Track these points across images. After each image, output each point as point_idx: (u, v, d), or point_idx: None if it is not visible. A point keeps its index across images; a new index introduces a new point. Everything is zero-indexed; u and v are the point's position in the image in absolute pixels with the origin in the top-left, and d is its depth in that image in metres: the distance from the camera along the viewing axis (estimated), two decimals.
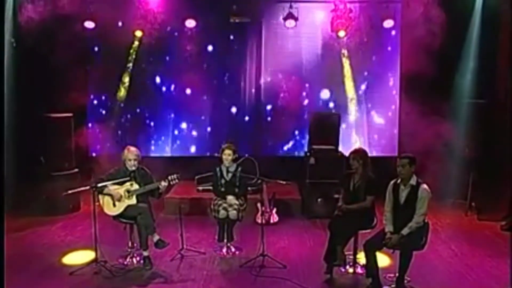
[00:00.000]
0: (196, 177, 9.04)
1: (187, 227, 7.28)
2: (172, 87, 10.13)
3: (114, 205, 6.53)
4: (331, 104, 10.11)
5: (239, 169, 7.14)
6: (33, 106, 8.86)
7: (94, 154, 10.20)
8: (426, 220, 5.82)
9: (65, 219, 8.71)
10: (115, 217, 6.62)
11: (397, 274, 5.87)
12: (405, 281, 5.88)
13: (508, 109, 8.63)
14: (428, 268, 6.45)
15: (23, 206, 8.64)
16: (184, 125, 10.28)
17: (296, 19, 9.31)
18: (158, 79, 10.07)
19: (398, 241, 5.70)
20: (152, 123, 10.24)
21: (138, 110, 10.17)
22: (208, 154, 10.06)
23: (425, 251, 5.93)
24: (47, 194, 8.88)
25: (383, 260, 6.29)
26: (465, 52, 9.00)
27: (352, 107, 10.02)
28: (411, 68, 9.30)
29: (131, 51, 9.72)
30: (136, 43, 9.67)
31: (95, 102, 10.08)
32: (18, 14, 8.56)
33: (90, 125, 10.07)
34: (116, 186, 6.54)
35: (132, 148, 6.76)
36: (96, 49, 9.84)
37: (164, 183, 6.57)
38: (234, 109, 10.20)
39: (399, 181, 5.90)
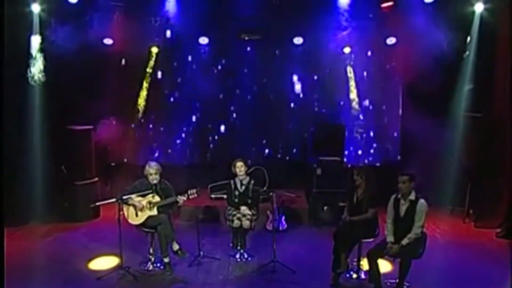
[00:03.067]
0: (210, 185, 9.53)
1: (202, 234, 7.72)
2: (187, 100, 10.59)
3: (136, 215, 7.06)
4: (336, 116, 10.56)
5: (252, 182, 7.67)
6: (56, 119, 9.23)
7: (112, 164, 10.65)
8: (424, 231, 6.32)
9: (87, 225, 9.17)
10: (137, 226, 7.14)
11: (397, 280, 6.39)
12: (405, 286, 6.40)
13: (505, 123, 9.04)
14: (426, 273, 6.80)
15: (46, 214, 9.03)
16: (198, 135, 10.72)
17: (304, 36, 9.82)
18: (174, 92, 10.56)
19: (398, 250, 6.20)
20: (168, 133, 10.70)
21: (155, 121, 10.64)
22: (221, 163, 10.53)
23: (424, 257, 6.36)
24: (69, 202, 9.37)
25: (384, 266, 6.77)
26: (463, 69, 9.33)
27: (357, 118, 10.48)
28: (412, 82, 9.86)
29: (148, 66, 10.16)
30: (153, 58, 10.13)
31: (115, 113, 10.50)
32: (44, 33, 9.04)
33: (109, 135, 10.40)
34: (139, 198, 7.05)
35: (153, 163, 7.26)
36: (115, 64, 10.30)
37: (183, 198, 7.09)
38: (244, 120, 10.65)
39: (399, 195, 6.40)
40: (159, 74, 10.28)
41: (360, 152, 10.48)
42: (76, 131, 9.46)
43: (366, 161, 9.98)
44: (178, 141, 10.73)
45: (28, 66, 8.98)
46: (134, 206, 7.05)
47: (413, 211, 6.25)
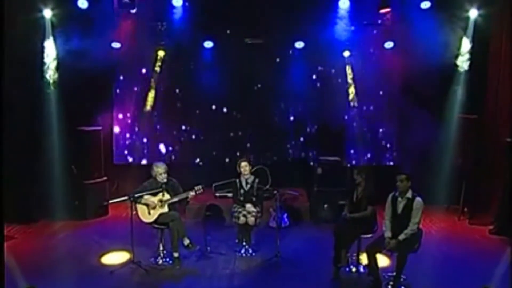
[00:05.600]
0: (214, 184, 9.80)
1: (208, 231, 8.05)
2: (192, 102, 10.85)
3: (149, 213, 7.42)
4: (336, 117, 10.83)
5: (256, 180, 8.05)
6: (66, 120, 9.48)
7: (118, 163, 10.92)
8: (420, 227, 6.68)
9: (96, 223, 9.53)
10: (149, 223, 7.49)
11: (394, 273, 6.73)
12: (402, 279, 6.75)
13: (498, 124, 9.37)
14: (422, 267, 7.10)
15: (57, 212, 9.31)
16: (203, 136, 10.97)
17: (304, 41, 10.17)
18: (179, 94, 10.86)
19: (396, 245, 6.55)
20: (173, 134, 10.98)
21: (161, 122, 10.89)
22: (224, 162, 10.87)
23: (420, 251, 6.73)
24: (79, 200, 9.69)
25: (382, 260, 7.10)
26: (458, 72, 9.67)
27: (356, 120, 10.78)
28: (409, 85, 10.19)
29: (155, 68, 10.41)
30: (159, 61, 10.37)
31: (121, 115, 10.84)
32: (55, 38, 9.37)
33: (115, 136, 10.83)
34: (149, 197, 7.42)
35: (160, 164, 7.62)
36: (122, 66, 10.59)
37: (191, 193, 7.48)
38: (247, 121, 10.92)
39: (397, 194, 6.75)
40: (165, 77, 10.55)
41: (359, 152, 10.78)
42: (85, 132, 9.78)
43: (365, 160, 10.26)
44: (182, 142, 10.98)
45: (41, 69, 9.31)
46: (147, 205, 7.39)
47: (410, 208, 6.59)
